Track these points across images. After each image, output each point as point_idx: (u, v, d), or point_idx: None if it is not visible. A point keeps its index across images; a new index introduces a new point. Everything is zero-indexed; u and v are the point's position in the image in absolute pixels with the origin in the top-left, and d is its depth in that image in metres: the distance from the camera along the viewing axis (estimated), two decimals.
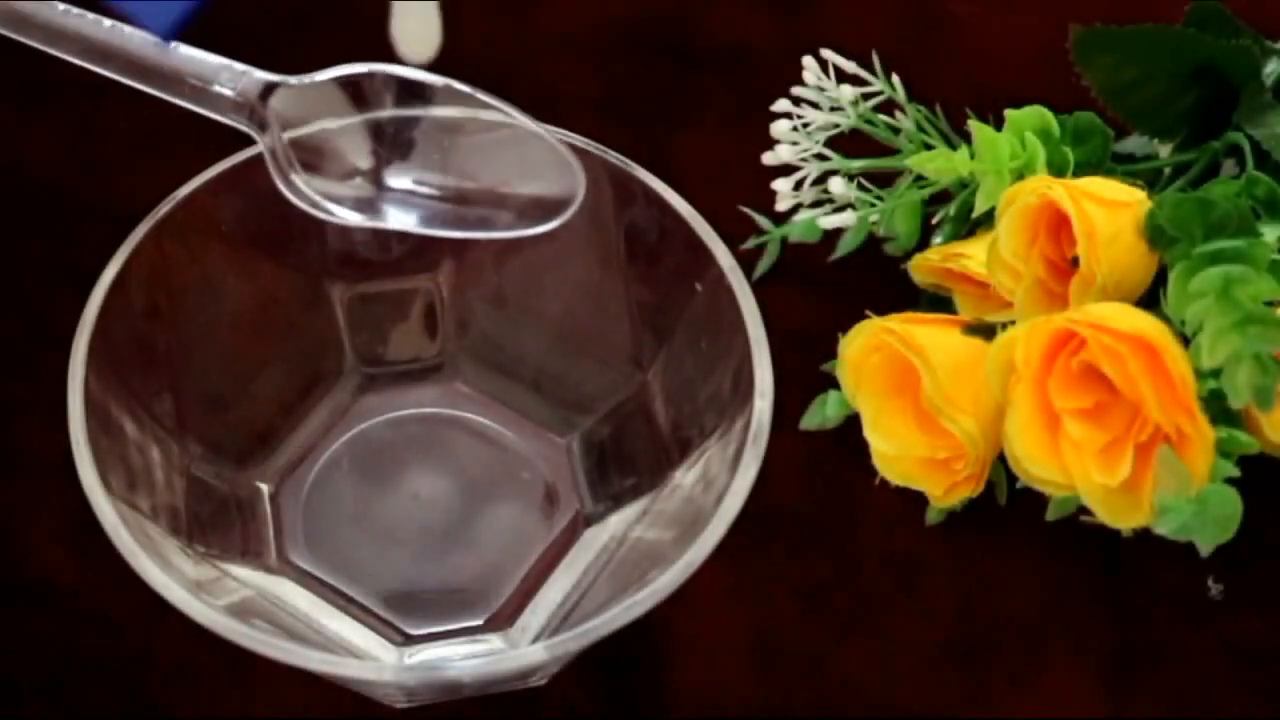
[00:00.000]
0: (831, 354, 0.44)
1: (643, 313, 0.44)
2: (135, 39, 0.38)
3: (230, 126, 0.40)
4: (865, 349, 0.43)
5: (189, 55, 0.38)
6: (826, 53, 0.49)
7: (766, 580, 0.45)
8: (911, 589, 0.46)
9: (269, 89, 0.39)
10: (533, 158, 0.39)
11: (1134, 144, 0.49)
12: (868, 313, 0.44)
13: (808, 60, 0.49)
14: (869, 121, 0.49)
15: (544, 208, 0.39)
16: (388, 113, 0.39)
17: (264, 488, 0.44)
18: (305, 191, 0.39)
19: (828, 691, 0.44)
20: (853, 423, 0.44)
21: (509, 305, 0.46)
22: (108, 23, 0.38)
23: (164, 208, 0.40)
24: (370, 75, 0.40)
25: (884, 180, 0.48)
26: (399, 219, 0.39)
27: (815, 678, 0.44)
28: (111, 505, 0.36)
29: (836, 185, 0.47)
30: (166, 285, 0.41)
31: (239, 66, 0.39)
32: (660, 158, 0.43)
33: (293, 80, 0.39)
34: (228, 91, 0.38)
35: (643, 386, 0.44)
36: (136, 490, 0.38)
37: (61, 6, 0.38)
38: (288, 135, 0.39)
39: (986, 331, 0.43)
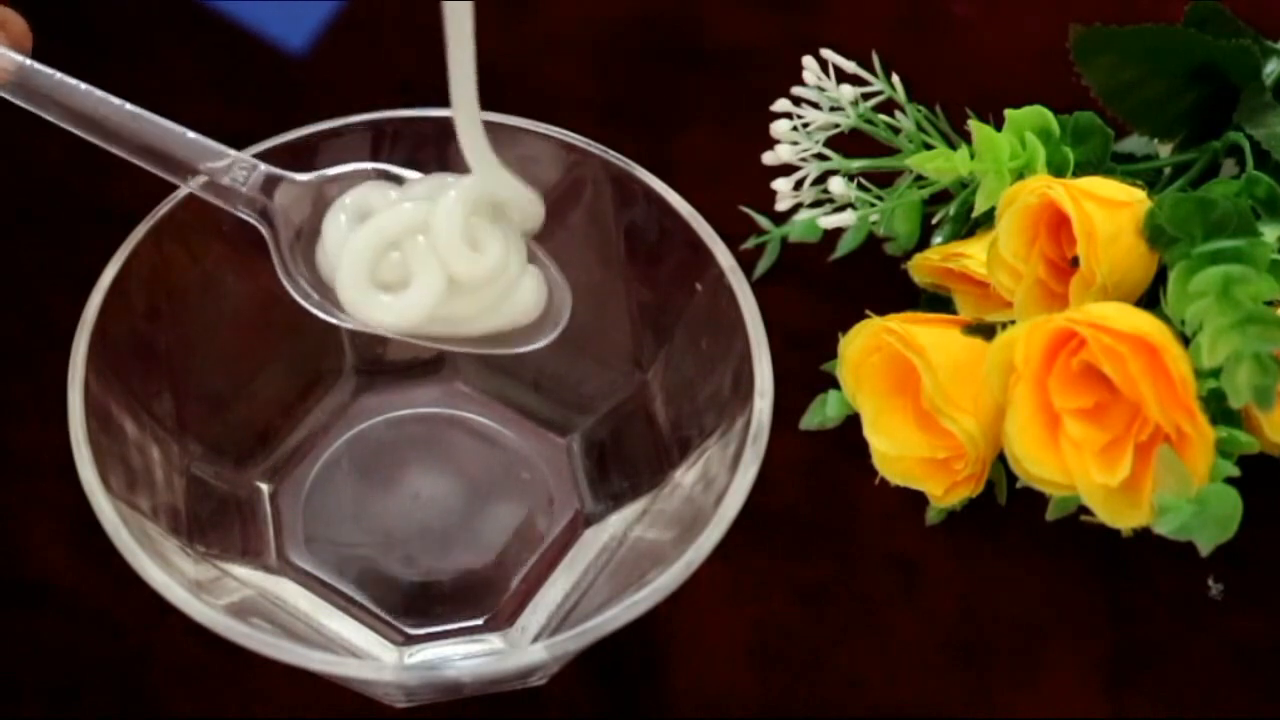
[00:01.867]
0: (831, 354, 0.44)
1: (643, 313, 0.44)
2: (149, 123, 0.38)
3: (232, 126, 0.40)
4: (865, 349, 0.43)
5: (203, 145, 0.39)
6: (826, 53, 0.49)
7: (766, 580, 0.45)
8: (911, 589, 0.46)
9: (275, 183, 0.39)
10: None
11: (1134, 144, 0.49)
12: (868, 313, 0.44)
13: (808, 60, 0.49)
14: (869, 121, 0.49)
15: (534, 326, 0.40)
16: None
17: (264, 488, 0.44)
18: (310, 293, 0.39)
19: (828, 691, 0.44)
20: (853, 423, 0.44)
21: None
22: (127, 106, 0.38)
23: (164, 208, 0.40)
24: (374, 173, 0.40)
25: (884, 180, 0.48)
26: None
27: (815, 678, 0.44)
28: (111, 505, 0.36)
29: (836, 185, 0.47)
30: (166, 285, 0.41)
31: (249, 160, 0.39)
32: (660, 158, 0.43)
33: (299, 177, 0.39)
34: (239, 186, 0.39)
35: (643, 386, 0.44)
36: (136, 490, 0.38)
37: (84, 87, 0.38)
38: (293, 230, 0.39)
39: (986, 331, 0.43)
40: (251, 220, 0.39)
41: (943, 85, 0.52)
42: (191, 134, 0.39)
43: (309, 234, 0.40)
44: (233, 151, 0.39)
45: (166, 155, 0.39)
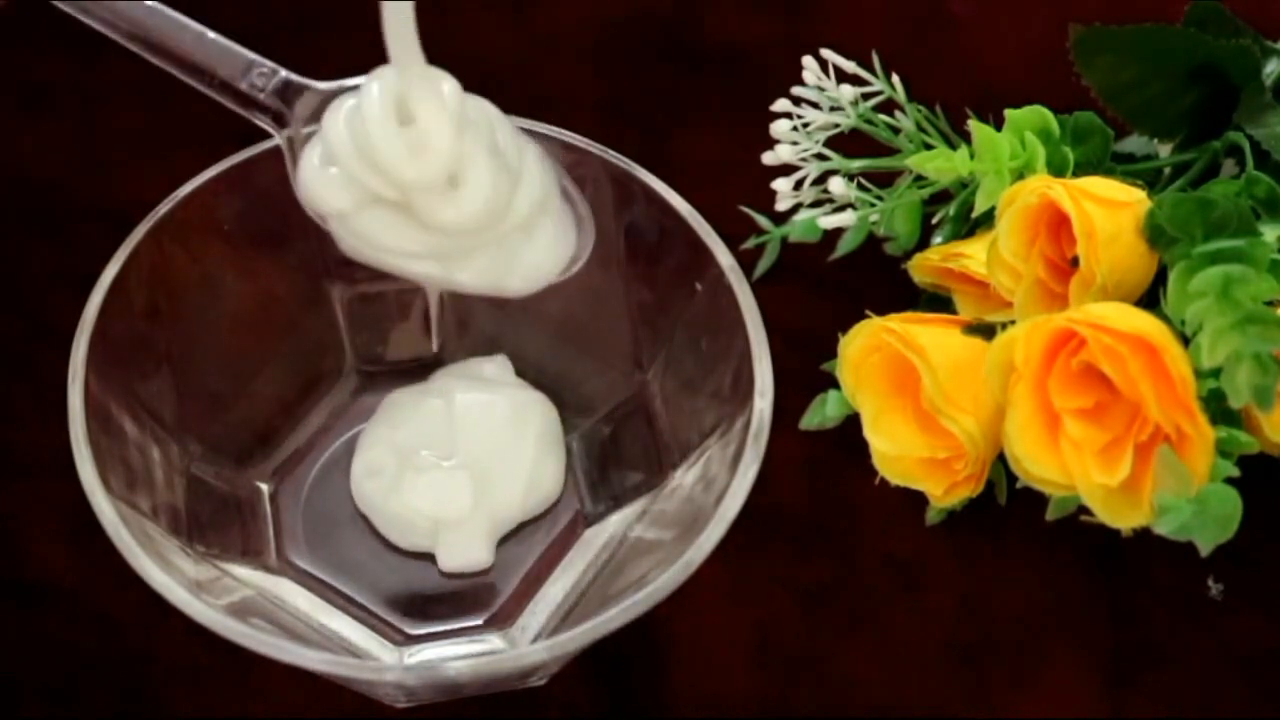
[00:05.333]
0: (831, 354, 0.44)
1: (643, 313, 0.44)
2: (170, 22, 0.37)
3: (231, 125, 0.40)
4: (865, 349, 0.43)
5: (222, 47, 0.38)
6: (826, 53, 0.49)
7: (766, 580, 0.45)
8: (911, 589, 0.46)
9: (295, 91, 0.38)
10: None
11: (1134, 144, 0.49)
12: (868, 313, 0.44)
13: (808, 60, 0.49)
14: (869, 121, 0.49)
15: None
16: None
17: (264, 488, 0.44)
18: None
19: (828, 691, 0.44)
20: (853, 423, 0.44)
21: (509, 305, 0.46)
22: (149, 3, 0.37)
23: (164, 208, 0.40)
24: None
25: (884, 180, 0.48)
26: None
27: (815, 678, 0.44)
28: (111, 505, 0.36)
29: (836, 185, 0.47)
30: (166, 285, 0.41)
31: (268, 65, 0.38)
32: (660, 158, 0.43)
33: (320, 85, 0.38)
34: (256, 92, 0.38)
35: (643, 386, 0.44)
36: (136, 490, 0.38)
37: None
38: (306, 130, 0.38)
39: (986, 331, 0.43)
40: (267, 127, 0.38)
41: (943, 85, 0.52)
42: (211, 34, 0.38)
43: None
44: (250, 54, 0.38)
45: (181, 55, 0.37)
